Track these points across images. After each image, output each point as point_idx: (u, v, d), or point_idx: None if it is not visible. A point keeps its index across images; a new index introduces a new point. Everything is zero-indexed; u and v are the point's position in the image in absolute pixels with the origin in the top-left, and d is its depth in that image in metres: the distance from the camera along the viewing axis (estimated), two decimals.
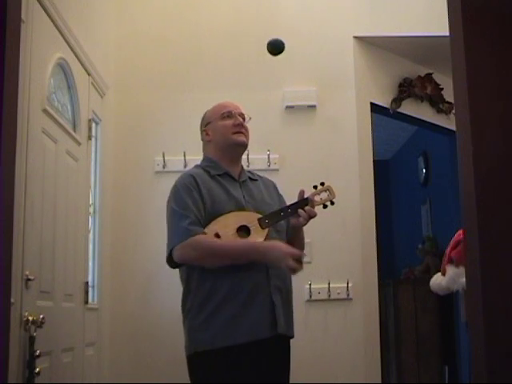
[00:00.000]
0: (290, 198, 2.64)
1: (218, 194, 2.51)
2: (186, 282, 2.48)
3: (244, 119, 2.66)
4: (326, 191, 2.62)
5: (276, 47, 2.64)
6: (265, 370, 2.40)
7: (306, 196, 2.55)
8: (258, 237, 2.45)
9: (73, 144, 3.13)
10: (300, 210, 2.51)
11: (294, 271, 2.39)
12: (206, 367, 2.40)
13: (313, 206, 2.54)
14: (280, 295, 2.46)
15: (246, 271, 2.41)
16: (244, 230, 2.46)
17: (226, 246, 2.42)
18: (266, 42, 2.64)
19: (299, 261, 2.38)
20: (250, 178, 2.67)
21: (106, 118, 3.76)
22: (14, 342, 2.22)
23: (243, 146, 2.64)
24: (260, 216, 2.48)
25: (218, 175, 2.58)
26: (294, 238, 2.62)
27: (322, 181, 2.63)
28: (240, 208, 2.50)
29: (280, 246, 2.42)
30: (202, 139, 2.71)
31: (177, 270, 2.55)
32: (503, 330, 1.57)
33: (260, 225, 2.46)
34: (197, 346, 2.40)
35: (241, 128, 2.62)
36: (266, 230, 2.47)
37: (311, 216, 2.51)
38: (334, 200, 2.61)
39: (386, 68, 4.39)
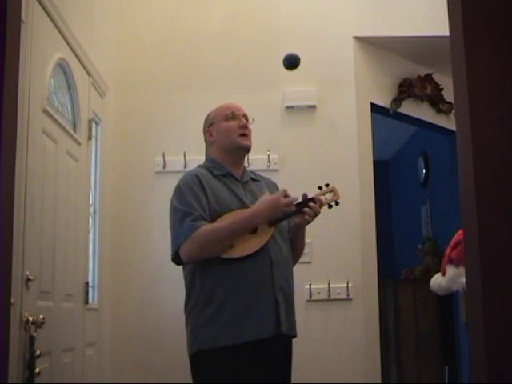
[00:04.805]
0: None
1: (221, 193, 2.52)
2: (190, 280, 2.48)
3: (247, 120, 2.66)
4: (330, 192, 2.64)
5: (291, 62, 2.69)
6: (267, 370, 2.41)
7: (310, 197, 2.57)
8: (264, 234, 2.46)
9: (73, 144, 3.13)
10: (306, 208, 2.53)
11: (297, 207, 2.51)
12: (209, 366, 2.40)
13: (321, 206, 2.56)
14: (283, 295, 2.46)
15: (249, 270, 2.42)
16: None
17: (224, 224, 2.42)
18: (283, 57, 2.73)
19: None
20: (252, 179, 2.67)
21: (105, 118, 3.76)
22: (14, 342, 2.21)
23: (247, 150, 2.65)
24: None
25: (221, 175, 2.58)
26: (296, 237, 2.64)
27: (322, 181, 2.66)
28: (244, 207, 2.51)
29: (266, 198, 2.49)
30: (205, 140, 2.71)
31: (177, 269, 2.55)
32: (503, 330, 1.57)
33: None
34: (200, 344, 2.40)
35: (245, 130, 2.62)
36: (273, 227, 2.48)
37: (316, 213, 2.54)
38: (338, 200, 2.64)
39: (386, 68, 4.39)
